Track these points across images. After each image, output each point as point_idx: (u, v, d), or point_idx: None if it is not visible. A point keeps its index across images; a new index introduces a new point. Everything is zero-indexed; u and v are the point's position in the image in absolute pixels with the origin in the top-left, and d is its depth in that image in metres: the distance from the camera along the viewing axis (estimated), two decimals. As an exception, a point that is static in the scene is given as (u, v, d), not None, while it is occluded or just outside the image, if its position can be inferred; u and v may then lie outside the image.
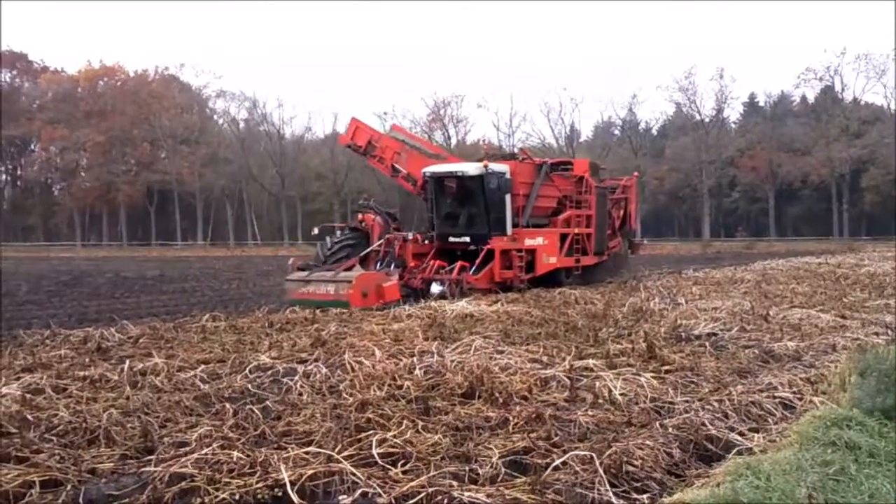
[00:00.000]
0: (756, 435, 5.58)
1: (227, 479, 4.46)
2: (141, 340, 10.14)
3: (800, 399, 6.55)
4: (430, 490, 4.33)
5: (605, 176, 23.09)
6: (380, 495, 4.31)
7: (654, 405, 6.34)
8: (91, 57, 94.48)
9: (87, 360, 8.67)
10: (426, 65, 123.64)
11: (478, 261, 16.99)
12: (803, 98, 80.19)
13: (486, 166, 17.28)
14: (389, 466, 4.78)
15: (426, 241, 17.94)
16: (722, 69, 70.38)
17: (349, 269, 15.72)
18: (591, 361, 7.88)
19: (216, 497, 4.25)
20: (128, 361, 8.11)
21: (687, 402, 6.41)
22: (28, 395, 6.64)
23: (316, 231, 19.99)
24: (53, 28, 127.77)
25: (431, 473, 4.58)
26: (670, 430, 5.51)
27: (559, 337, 9.97)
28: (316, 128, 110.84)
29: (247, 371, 7.81)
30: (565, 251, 19.17)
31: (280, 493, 4.31)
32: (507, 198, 17.56)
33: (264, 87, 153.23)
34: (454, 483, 4.47)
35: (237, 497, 4.25)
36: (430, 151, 20.91)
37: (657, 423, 5.70)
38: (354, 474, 4.51)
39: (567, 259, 19.26)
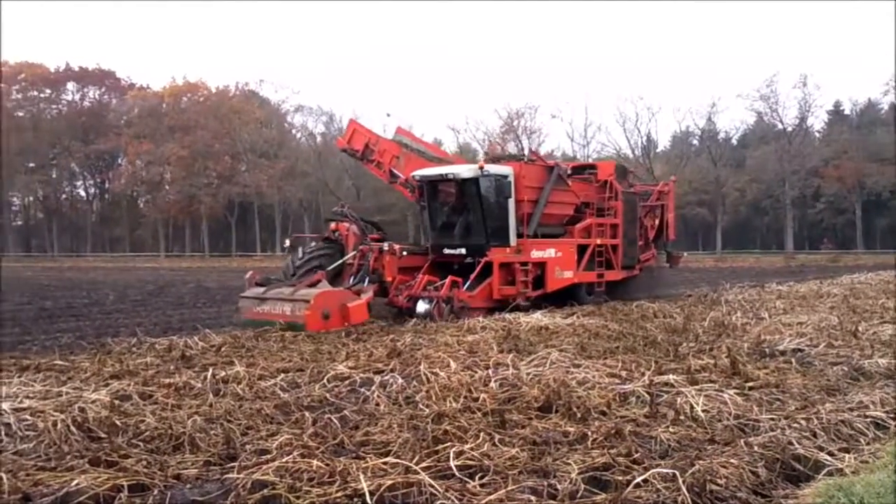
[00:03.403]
0: (847, 455, 5.38)
1: (307, 488, 4.52)
2: (223, 349, 10.41)
3: (893, 419, 6.28)
4: (509, 504, 4.31)
5: (636, 181, 21.20)
6: (458, 508, 4.30)
7: (737, 422, 6.16)
8: (175, 74, 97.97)
9: (171, 367, 8.93)
10: (499, 76, 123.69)
11: (473, 275, 15.20)
12: (892, 105, 77.05)
13: (481, 168, 15.46)
14: (467, 479, 4.76)
15: (405, 254, 15.68)
16: (805, 77, 68.43)
17: (314, 284, 13.85)
18: (671, 377, 7.69)
19: (297, 505, 4.30)
20: (211, 369, 8.34)
21: (772, 419, 6.21)
22: (116, 402, 6.87)
23: (287, 243, 18.26)
24: (140, 46, 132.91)
25: (509, 487, 4.54)
26: (755, 448, 5.35)
27: (638, 351, 9.79)
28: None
29: (325, 380, 7.92)
30: (584, 265, 17.33)
31: (359, 503, 4.34)
32: (510, 204, 15.67)
33: (341, 102, 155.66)
34: (532, 498, 4.43)
35: (317, 506, 4.29)
36: (435, 155, 19.14)
37: (741, 441, 5.54)
38: (432, 486, 4.50)
39: (587, 273, 17.41)
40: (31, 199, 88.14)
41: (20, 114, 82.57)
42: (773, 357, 9.31)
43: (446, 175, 16.18)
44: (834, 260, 52.47)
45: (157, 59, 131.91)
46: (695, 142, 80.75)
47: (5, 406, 6.45)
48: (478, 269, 15.23)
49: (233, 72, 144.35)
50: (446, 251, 16.23)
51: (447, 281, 14.66)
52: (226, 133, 76.15)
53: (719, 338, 10.97)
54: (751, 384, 7.59)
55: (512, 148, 68.34)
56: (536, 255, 16.16)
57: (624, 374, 8.07)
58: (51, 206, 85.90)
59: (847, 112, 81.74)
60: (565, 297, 16.56)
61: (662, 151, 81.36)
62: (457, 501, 4.36)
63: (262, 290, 13.84)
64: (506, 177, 15.70)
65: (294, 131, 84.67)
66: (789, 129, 69.77)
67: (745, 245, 76.14)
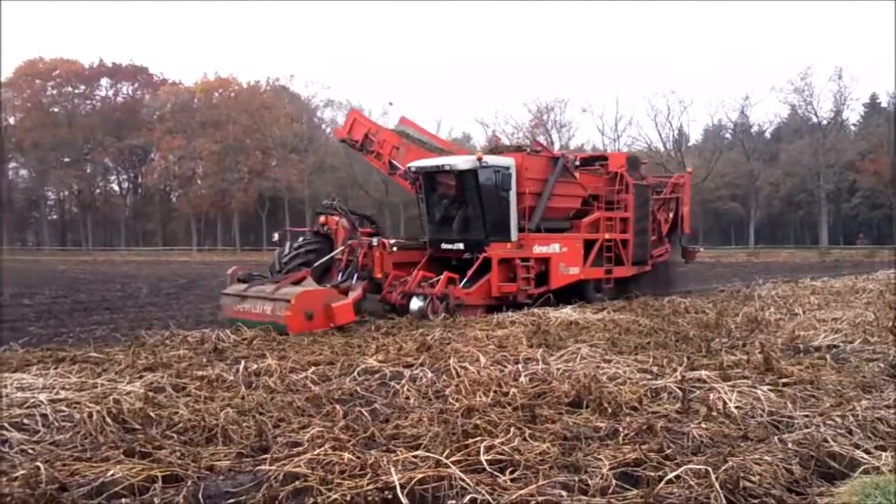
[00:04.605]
0: (884, 453, 5.29)
1: (338, 480, 4.54)
2: (255, 342, 10.50)
3: (932, 417, 6.16)
4: (540, 499, 4.29)
5: (648, 173, 20.28)
6: (489, 503, 4.29)
7: (771, 419, 6.09)
8: (207, 69, 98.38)
9: (204, 360, 9.01)
10: (529, 69, 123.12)
11: (470, 271, 14.56)
12: (930, 98, 75.58)
13: (479, 159, 14.60)
14: (498, 473, 4.75)
15: (395, 249, 14.87)
16: (841, 69, 66.97)
17: (298, 282, 13.01)
18: (703, 373, 7.61)
19: (328, 497, 4.32)
20: (243, 362, 8.39)
21: (807, 416, 6.13)
22: (150, 394, 6.96)
23: (276, 237, 17.48)
24: (172, 42, 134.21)
25: (540, 482, 4.53)
26: (790, 445, 5.29)
27: (669, 347, 9.71)
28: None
29: (355, 374, 7.96)
30: (592, 260, 16.63)
31: (390, 496, 4.35)
32: (511, 196, 14.87)
33: (370, 97, 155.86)
34: (563, 493, 4.41)
35: (349, 498, 4.30)
36: (437, 145, 18.40)
37: (775, 438, 5.48)
38: (463, 480, 4.50)
39: (594, 269, 16.72)
40: (66, 193, 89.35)
41: (55, 109, 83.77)
42: (808, 353, 9.21)
43: (443, 166, 15.42)
44: (869, 255, 51.62)
45: (189, 54, 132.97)
46: (727, 135, 79.84)
47: (42, 397, 6.56)
48: (476, 264, 14.66)
49: (263, 67, 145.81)
50: (444, 246, 15.57)
51: (443, 277, 14.09)
52: (257, 128, 76.63)
53: (752, 333, 10.86)
54: (785, 380, 7.50)
55: (542, 142, 67.93)
56: (539, 250, 15.53)
57: (655, 369, 8.00)
58: (85, 201, 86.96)
59: (884, 105, 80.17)
60: (573, 295, 15.94)
61: (694, 145, 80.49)
62: (487, 495, 4.35)
63: (244, 286, 13.12)
64: (506, 168, 14.91)
65: (324, 126, 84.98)
66: (824, 122, 68.74)
67: (778, 240, 75.26)
